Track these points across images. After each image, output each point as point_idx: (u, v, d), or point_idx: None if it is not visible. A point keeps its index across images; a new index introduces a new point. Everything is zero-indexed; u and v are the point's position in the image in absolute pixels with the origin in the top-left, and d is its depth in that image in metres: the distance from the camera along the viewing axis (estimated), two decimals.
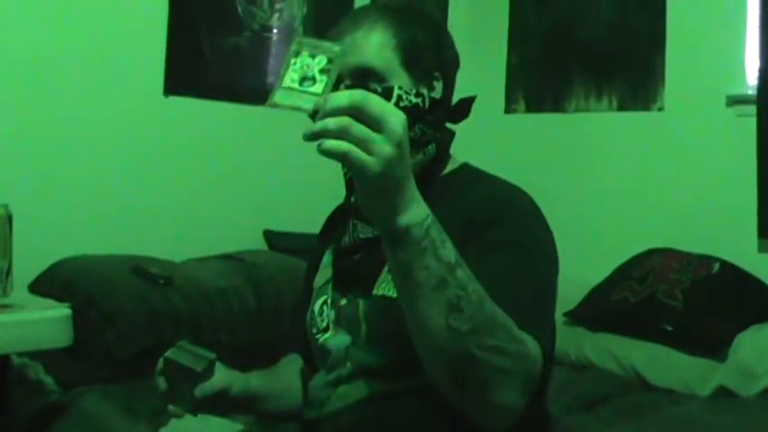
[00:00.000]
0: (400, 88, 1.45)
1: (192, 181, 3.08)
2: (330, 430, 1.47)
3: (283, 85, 1.11)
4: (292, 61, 1.12)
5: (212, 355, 1.50)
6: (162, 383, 1.50)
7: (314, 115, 1.06)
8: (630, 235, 3.40)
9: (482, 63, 4.00)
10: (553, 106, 3.78)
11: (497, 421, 1.21)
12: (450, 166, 1.56)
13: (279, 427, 1.80)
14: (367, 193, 1.10)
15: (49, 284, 2.55)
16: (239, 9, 3.22)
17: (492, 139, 3.93)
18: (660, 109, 3.45)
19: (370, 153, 1.04)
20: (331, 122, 1.03)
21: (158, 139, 3.00)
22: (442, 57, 1.52)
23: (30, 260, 2.34)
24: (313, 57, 1.13)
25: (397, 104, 1.43)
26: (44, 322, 1.83)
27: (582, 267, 3.43)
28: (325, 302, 1.54)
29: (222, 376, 1.51)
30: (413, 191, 1.12)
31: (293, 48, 1.14)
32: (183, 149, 3.06)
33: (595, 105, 3.65)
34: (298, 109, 1.08)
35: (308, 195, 2.94)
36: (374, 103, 1.05)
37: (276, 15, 3.34)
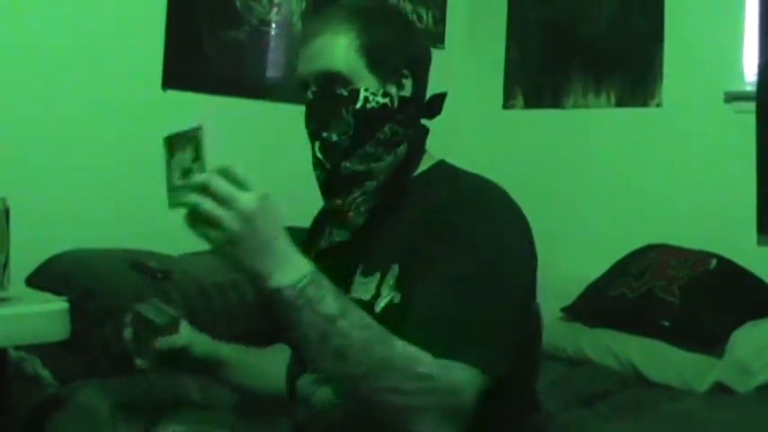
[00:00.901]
0: (366, 90, 1.46)
1: None
2: (321, 427, 1.48)
3: (170, 187, 1.22)
4: (169, 161, 1.24)
5: (178, 314, 1.60)
6: (129, 333, 1.59)
7: None
8: (628, 231, 3.40)
9: (480, 58, 4.01)
10: (551, 102, 3.78)
11: None
12: (424, 164, 1.55)
13: (269, 427, 1.81)
14: (231, 261, 1.22)
15: (46, 278, 2.55)
16: (238, 3, 3.22)
17: (490, 135, 3.94)
18: (658, 105, 3.45)
19: (217, 229, 1.19)
20: (191, 197, 1.19)
21: (157, 132, 2.98)
22: (410, 54, 1.52)
23: (27, 253, 2.33)
24: (183, 149, 1.27)
25: (364, 107, 1.45)
26: (41, 316, 1.83)
27: (579, 263, 3.44)
28: None
29: (186, 335, 1.60)
30: (284, 254, 1.22)
31: (165, 150, 1.29)
32: None
33: (594, 101, 3.65)
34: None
35: (306, 189, 2.92)
36: (219, 185, 1.19)
37: (275, 10, 3.34)
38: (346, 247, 1.50)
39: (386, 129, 1.47)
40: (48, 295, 2.20)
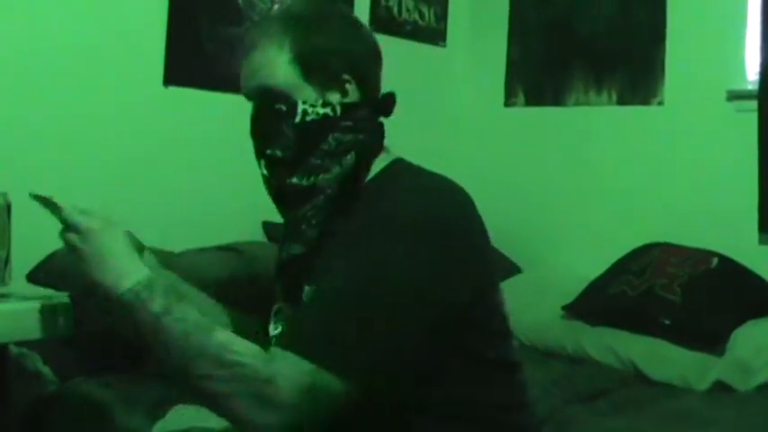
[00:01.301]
0: (305, 103, 1.44)
1: (190, 171, 3.07)
2: None
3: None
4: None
5: (142, 245, 1.68)
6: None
7: None
8: (629, 229, 3.40)
9: (482, 56, 4.00)
10: (553, 100, 3.78)
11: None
12: (380, 164, 1.52)
13: None
14: (85, 277, 1.41)
15: (47, 274, 2.55)
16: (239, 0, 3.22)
17: (491, 133, 3.94)
18: (660, 103, 3.45)
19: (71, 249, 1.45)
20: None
21: (158, 129, 2.99)
22: (350, 56, 1.47)
23: (28, 249, 2.34)
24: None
25: (303, 120, 1.43)
26: (42, 312, 1.82)
27: (579, 261, 3.44)
28: (279, 308, 1.58)
29: (149, 267, 1.63)
30: (123, 265, 1.38)
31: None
32: (183, 140, 3.05)
33: (595, 99, 3.64)
34: None
35: None
36: (68, 216, 1.48)
37: (276, 6, 3.33)
38: (301, 260, 1.48)
39: (330, 139, 1.44)
40: (49, 291, 2.20)
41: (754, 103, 3.11)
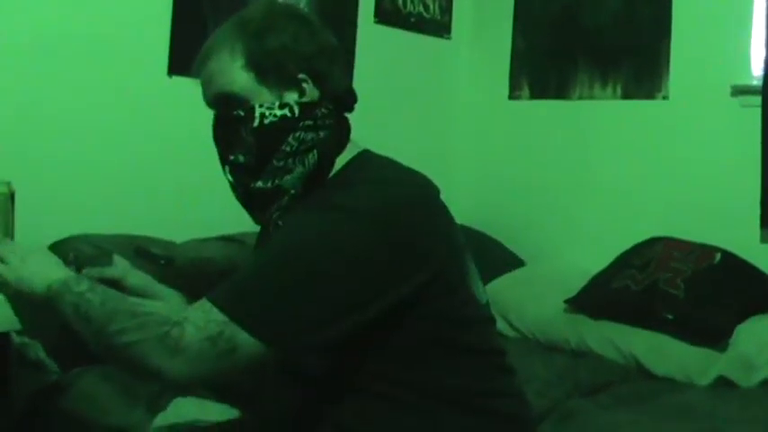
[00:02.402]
0: (261, 106, 1.44)
1: (194, 161, 3.06)
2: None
3: None
4: None
5: (112, 250, 1.78)
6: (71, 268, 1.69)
7: None
8: (633, 223, 3.40)
9: (487, 49, 4.00)
10: (557, 93, 3.77)
11: (169, 383, 1.35)
12: (344, 158, 1.51)
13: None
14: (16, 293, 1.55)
15: None
16: None
17: (496, 125, 3.93)
18: (665, 98, 3.44)
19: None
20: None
21: (162, 118, 2.99)
22: (303, 55, 1.47)
23: (31, 239, 2.33)
24: None
25: (261, 123, 1.44)
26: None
27: (583, 254, 3.44)
28: None
29: (120, 267, 1.75)
30: (46, 272, 1.51)
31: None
32: (187, 129, 3.02)
33: (600, 93, 3.64)
34: None
35: None
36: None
37: None
38: None
39: (290, 140, 1.45)
40: None
41: (758, 99, 3.11)
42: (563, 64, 3.76)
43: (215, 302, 1.30)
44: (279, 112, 1.44)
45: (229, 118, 1.46)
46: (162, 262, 2.58)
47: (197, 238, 2.91)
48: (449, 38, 3.96)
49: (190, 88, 3.08)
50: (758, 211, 3.09)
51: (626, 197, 3.54)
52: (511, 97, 3.93)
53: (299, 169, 1.46)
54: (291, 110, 1.45)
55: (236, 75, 1.45)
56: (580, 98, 3.69)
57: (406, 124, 3.69)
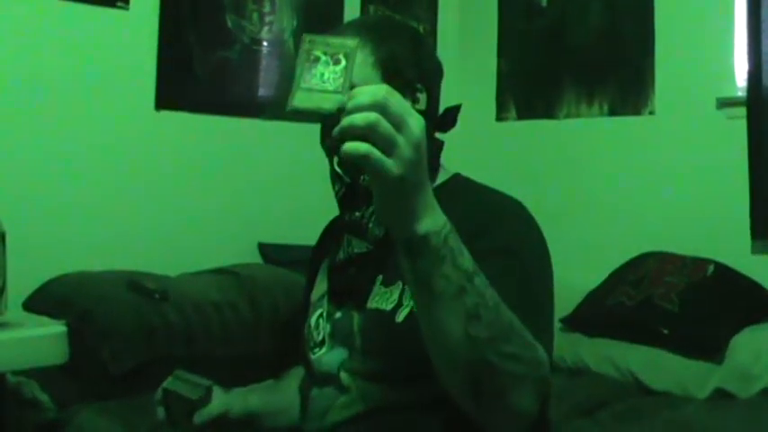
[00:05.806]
0: None
1: (185, 195, 3.08)
2: None
3: (302, 86, 1.03)
4: (306, 61, 1.05)
5: (208, 383, 1.55)
6: (161, 413, 1.56)
7: (329, 118, 1.02)
8: (624, 239, 3.40)
9: (472, 71, 4.01)
10: (544, 113, 3.79)
11: (512, 428, 1.22)
12: (441, 178, 1.55)
13: None
14: (385, 198, 1.05)
15: (43, 302, 2.54)
16: (229, 22, 3.22)
17: (484, 147, 3.94)
18: (651, 113, 3.46)
19: (390, 155, 1.00)
20: (358, 119, 0.99)
21: (150, 153, 2.99)
22: (422, 67, 1.50)
23: (24, 277, 2.33)
24: (326, 54, 1.06)
25: None
26: (39, 340, 1.82)
27: (576, 272, 3.43)
28: (321, 316, 1.55)
29: (220, 401, 1.56)
30: (430, 197, 1.08)
31: (305, 47, 1.06)
32: (176, 164, 3.05)
33: (586, 111, 3.65)
34: (319, 111, 1.01)
35: (302, 208, 2.94)
36: (396, 102, 1.01)
37: (266, 28, 3.34)
38: (366, 258, 1.48)
39: None
40: (45, 319, 2.19)
41: (743, 110, 3.12)
42: (549, 84, 3.78)
43: (544, 344, 1.24)
44: None
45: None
46: (156, 296, 2.58)
47: (191, 272, 2.91)
48: None
49: (177, 122, 3.12)
50: (748, 223, 3.10)
51: (617, 213, 3.54)
52: (498, 119, 3.95)
53: None
54: None
55: (367, 71, 1.44)
56: (567, 117, 3.71)
57: None
